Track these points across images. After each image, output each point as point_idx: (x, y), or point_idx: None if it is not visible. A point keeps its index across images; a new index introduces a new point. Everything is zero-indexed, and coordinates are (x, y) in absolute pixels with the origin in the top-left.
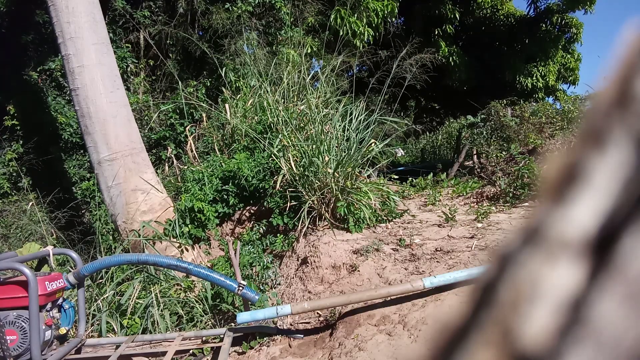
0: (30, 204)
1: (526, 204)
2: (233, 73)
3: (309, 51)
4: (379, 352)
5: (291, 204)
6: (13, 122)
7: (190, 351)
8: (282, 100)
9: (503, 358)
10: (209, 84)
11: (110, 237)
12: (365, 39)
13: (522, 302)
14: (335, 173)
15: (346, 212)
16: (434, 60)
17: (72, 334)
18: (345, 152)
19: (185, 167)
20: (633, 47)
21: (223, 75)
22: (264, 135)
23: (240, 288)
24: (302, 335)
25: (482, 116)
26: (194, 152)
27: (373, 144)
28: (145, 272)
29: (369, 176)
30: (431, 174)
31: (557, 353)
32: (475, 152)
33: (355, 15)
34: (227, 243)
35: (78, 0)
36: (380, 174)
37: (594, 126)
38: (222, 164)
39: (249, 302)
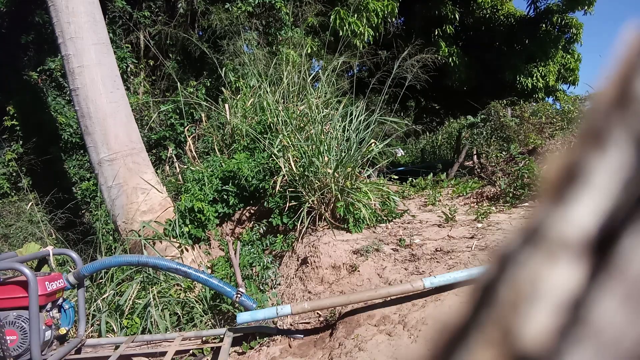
0: (30, 204)
1: (526, 204)
2: (233, 73)
3: (309, 51)
4: (379, 352)
5: (291, 204)
6: (13, 122)
7: (190, 351)
8: (282, 100)
9: (503, 358)
10: (208, 84)
11: (110, 237)
12: (366, 39)
13: (522, 302)
14: (335, 173)
15: (346, 212)
16: (434, 61)
17: (72, 334)
18: (345, 152)
19: (185, 167)
20: (633, 47)
21: (223, 75)
22: (264, 136)
23: (238, 295)
24: (302, 336)
25: (482, 116)
26: (194, 152)
27: (373, 144)
28: (144, 272)
29: (368, 176)
30: (431, 174)
31: (557, 353)
32: (475, 152)
33: (355, 15)
34: (227, 243)
35: (78, 1)
36: (380, 174)
37: (594, 126)
38: (222, 164)
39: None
